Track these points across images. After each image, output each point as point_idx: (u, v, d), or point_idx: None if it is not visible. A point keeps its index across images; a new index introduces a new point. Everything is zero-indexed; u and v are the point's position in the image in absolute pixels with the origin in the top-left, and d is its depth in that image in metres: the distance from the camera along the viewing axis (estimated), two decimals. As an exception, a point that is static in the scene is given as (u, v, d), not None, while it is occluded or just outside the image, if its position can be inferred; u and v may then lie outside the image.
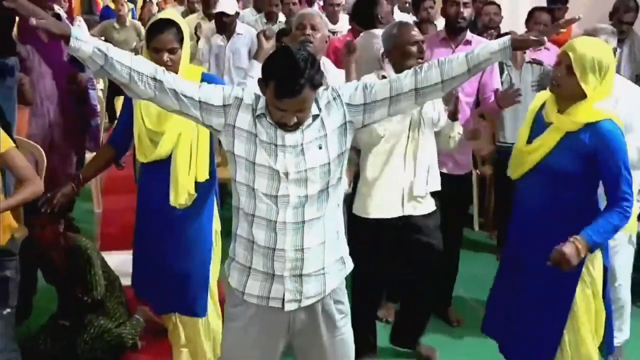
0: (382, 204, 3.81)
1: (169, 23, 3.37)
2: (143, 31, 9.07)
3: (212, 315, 3.72)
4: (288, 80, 2.47)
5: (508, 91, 4.06)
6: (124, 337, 4.14)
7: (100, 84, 8.46)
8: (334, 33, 7.22)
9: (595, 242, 2.99)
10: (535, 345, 3.26)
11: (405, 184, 3.79)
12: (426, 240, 3.90)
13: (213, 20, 6.31)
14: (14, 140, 4.50)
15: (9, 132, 4.48)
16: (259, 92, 2.65)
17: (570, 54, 3.03)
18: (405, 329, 4.23)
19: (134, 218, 4.46)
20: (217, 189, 3.71)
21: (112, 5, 10.10)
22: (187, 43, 3.47)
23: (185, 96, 2.63)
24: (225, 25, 6.09)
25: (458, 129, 3.86)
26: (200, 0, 7.44)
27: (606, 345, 3.32)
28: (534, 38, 2.70)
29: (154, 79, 2.60)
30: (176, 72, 3.15)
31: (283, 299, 2.71)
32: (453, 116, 3.79)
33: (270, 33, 3.71)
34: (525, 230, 3.26)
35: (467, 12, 4.46)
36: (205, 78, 3.45)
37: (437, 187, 3.90)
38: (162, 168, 3.47)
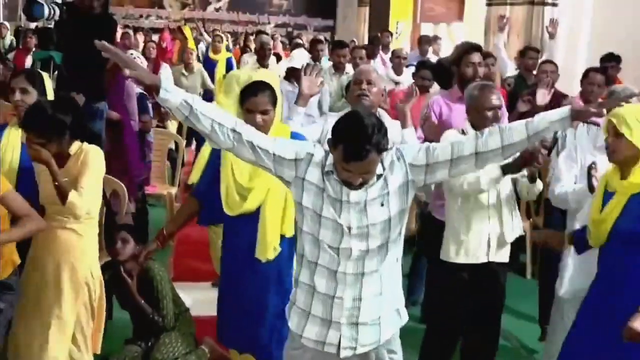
0: (469, 250, 3.67)
1: (264, 85, 3.22)
2: (207, 78, 9.12)
3: None
4: (355, 145, 2.41)
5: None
6: None
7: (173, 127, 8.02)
8: (397, 83, 7.18)
9: None
10: None
11: (492, 230, 3.66)
12: (499, 288, 3.81)
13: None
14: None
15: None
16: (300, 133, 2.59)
17: (612, 119, 2.95)
18: None
19: (206, 252, 4.40)
20: None
21: (211, 55, 10.21)
22: (280, 104, 3.32)
23: (261, 148, 2.59)
24: (298, 76, 6.10)
25: (538, 187, 3.72)
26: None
27: None
28: (593, 110, 2.59)
29: (234, 130, 2.57)
30: (267, 131, 3.07)
31: (339, 345, 2.65)
32: (531, 179, 3.64)
33: (314, 68, 3.75)
34: (605, 296, 3.05)
35: (481, 71, 4.41)
36: (294, 136, 3.31)
37: (521, 231, 3.79)
38: (248, 221, 3.28)
